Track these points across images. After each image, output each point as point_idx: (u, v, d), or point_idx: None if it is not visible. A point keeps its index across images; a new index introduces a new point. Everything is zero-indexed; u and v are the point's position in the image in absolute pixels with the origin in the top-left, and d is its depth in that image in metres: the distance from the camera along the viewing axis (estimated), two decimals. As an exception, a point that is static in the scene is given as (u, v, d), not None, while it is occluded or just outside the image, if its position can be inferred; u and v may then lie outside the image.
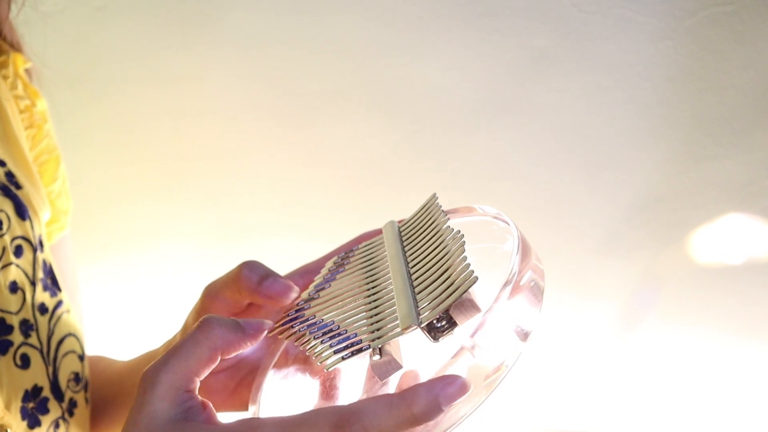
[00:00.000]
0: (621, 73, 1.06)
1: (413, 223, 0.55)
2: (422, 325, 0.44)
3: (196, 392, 0.45)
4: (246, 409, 0.56)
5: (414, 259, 0.50)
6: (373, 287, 0.51)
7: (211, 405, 0.45)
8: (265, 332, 0.49)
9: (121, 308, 1.26)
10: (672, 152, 1.11)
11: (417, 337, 0.44)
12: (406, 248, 0.53)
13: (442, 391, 0.41)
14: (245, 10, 1.04)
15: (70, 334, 0.65)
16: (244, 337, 0.47)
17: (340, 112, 1.11)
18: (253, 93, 1.11)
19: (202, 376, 0.46)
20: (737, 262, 1.18)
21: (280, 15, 1.05)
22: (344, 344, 0.46)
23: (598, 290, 1.23)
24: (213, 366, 0.46)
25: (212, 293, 0.56)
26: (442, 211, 0.53)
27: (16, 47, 0.70)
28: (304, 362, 0.55)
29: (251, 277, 0.54)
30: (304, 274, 0.58)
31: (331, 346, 0.46)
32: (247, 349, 0.48)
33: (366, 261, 0.55)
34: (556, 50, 1.05)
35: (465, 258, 0.45)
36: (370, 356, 0.45)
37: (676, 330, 1.25)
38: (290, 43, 1.07)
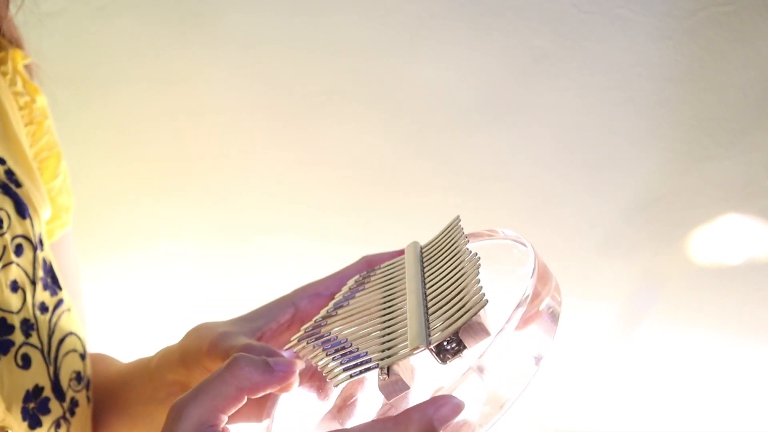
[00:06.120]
0: (621, 73, 1.06)
1: (435, 244, 0.56)
2: (431, 346, 0.44)
3: (220, 428, 0.46)
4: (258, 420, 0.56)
5: (431, 280, 0.51)
6: (388, 306, 0.51)
7: None
8: (296, 373, 0.49)
9: (120, 308, 1.26)
10: (672, 152, 1.11)
11: (429, 358, 0.44)
12: (426, 269, 0.53)
13: (436, 413, 0.41)
14: (245, 10, 1.04)
15: (70, 333, 0.65)
16: (272, 379, 0.48)
17: (340, 112, 1.11)
18: (253, 93, 1.10)
19: (228, 413, 0.46)
20: (737, 262, 1.18)
21: (279, 15, 1.05)
22: (354, 362, 0.46)
23: (598, 290, 1.23)
24: (239, 404, 0.46)
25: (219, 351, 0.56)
26: (464, 233, 0.54)
27: (15, 43, 0.69)
28: (321, 378, 0.54)
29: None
30: (313, 297, 0.58)
31: (341, 363, 0.46)
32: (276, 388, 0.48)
33: (385, 280, 0.55)
34: (556, 50, 1.05)
35: (479, 281, 0.45)
36: (378, 375, 0.45)
37: (675, 330, 1.25)
38: (290, 43, 1.07)
